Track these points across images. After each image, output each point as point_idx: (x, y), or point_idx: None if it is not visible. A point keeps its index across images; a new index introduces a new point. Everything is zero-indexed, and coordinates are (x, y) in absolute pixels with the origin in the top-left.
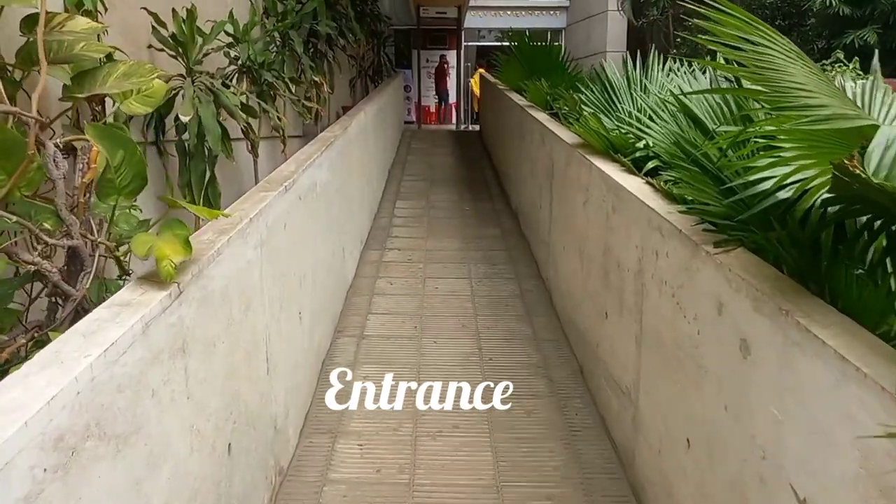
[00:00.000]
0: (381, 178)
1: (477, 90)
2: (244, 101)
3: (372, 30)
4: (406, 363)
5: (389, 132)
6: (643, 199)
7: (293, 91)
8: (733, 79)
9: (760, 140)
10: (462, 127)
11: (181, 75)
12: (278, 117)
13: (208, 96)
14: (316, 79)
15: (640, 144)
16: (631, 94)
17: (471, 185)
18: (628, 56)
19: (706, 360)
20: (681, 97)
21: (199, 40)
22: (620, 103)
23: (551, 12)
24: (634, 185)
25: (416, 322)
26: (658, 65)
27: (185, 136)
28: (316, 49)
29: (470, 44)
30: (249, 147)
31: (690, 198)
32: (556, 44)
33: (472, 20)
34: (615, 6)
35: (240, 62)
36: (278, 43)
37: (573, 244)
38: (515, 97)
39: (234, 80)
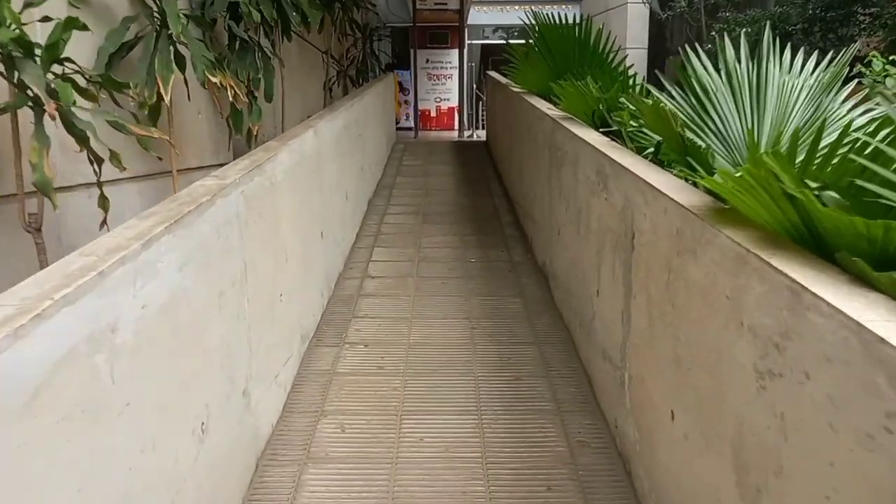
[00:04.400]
0: (353, 218)
1: None
2: None
3: (350, 18)
4: None
5: (370, 151)
6: None
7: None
8: None
9: None
10: (466, 134)
11: None
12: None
13: None
14: (215, 79)
15: None
16: (738, 101)
17: (476, 220)
18: (728, 39)
19: None
20: None
21: None
22: (724, 117)
23: (563, 6)
24: None
25: None
26: (774, 57)
27: None
28: (243, 37)
29: (474, 42)
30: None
31: None
32: (599, 27)
33: (475, 16)
34: None
35: None
36: (157, 20)
37: (704, 426)
38: (541, 105)
39: None
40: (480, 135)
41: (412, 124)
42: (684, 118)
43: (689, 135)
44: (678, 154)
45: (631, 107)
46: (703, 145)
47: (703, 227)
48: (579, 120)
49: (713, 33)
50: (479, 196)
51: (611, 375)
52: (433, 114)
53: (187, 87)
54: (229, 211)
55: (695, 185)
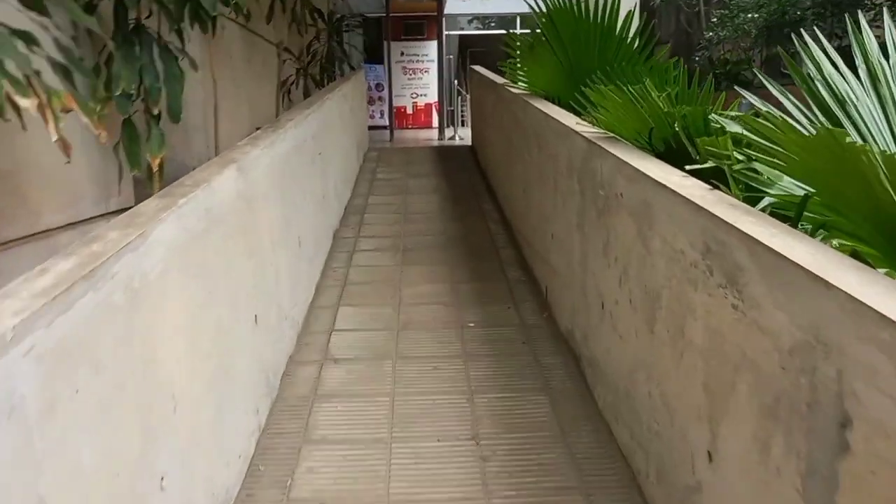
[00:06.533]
0: (310, 269)
1: None
2: None
3: (309, 6)
4: None
5: (334, 170)
6: None
7: None
8: None
9: None
10: (447, 135)
11: None
12: None
13: None
14: (25, 101)
15: None
16: (891, 115)
17: (470, 256)
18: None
19: None
20: None
21: None
22: (872, 138)
23: None
24: None
25: None
26: None
27: None
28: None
29: (451, 33)
30: None
31: None
32: (630, 10)
33: (453, 5)
34: None
35: None
36: None
37: None
38: (562, 116)
39: None
40: (463, 135)
41: (387, 122)
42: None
43: None
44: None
45: (733, 129)
46: None
47: None
48: (625, 141)
49: (713, 20)
50: (471, 220)
51: None
52: (409, 111)
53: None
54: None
55: None
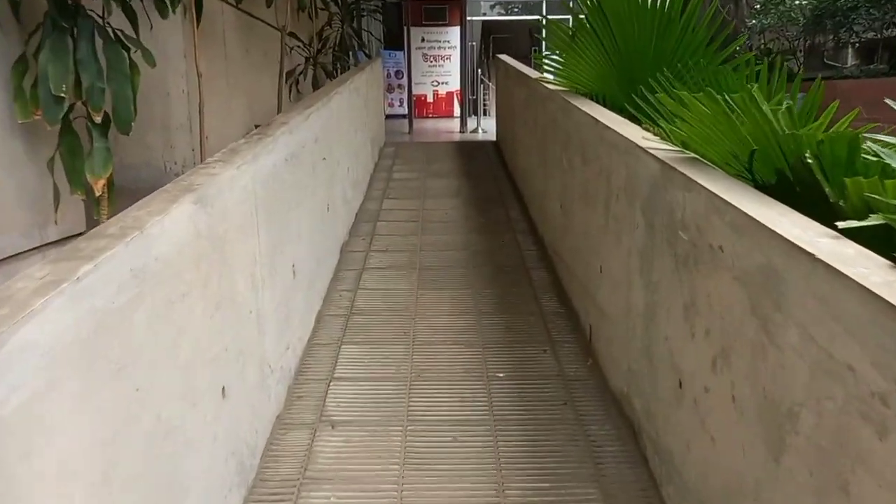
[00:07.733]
0: (307, 299)
1: None
2: None
3: None
4: None
5: (343, 173)
6: None
7: None
8: None
9: None
10: (469, 128)
11: None
12: None
13: None
14: None
15: None
16: None
17: (497, 279)
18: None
19: None
20: None
21: None
22: None
23: None
24: None
25: None
26: None
27: None
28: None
29: (473, 18)
30: None
31: None
32: None
33: None
34: None
35: None
36: None
37: None
38: (610, 121)
39: None
40: (486, 126)
41: (406, 111)
42: None
43: None
44: None
45: None
46: None
47: None
48: (711, 165)
49: (756, 6)
50: (497, 232)
51: None
52: (430, 99)
53: None
54: None
55: None
